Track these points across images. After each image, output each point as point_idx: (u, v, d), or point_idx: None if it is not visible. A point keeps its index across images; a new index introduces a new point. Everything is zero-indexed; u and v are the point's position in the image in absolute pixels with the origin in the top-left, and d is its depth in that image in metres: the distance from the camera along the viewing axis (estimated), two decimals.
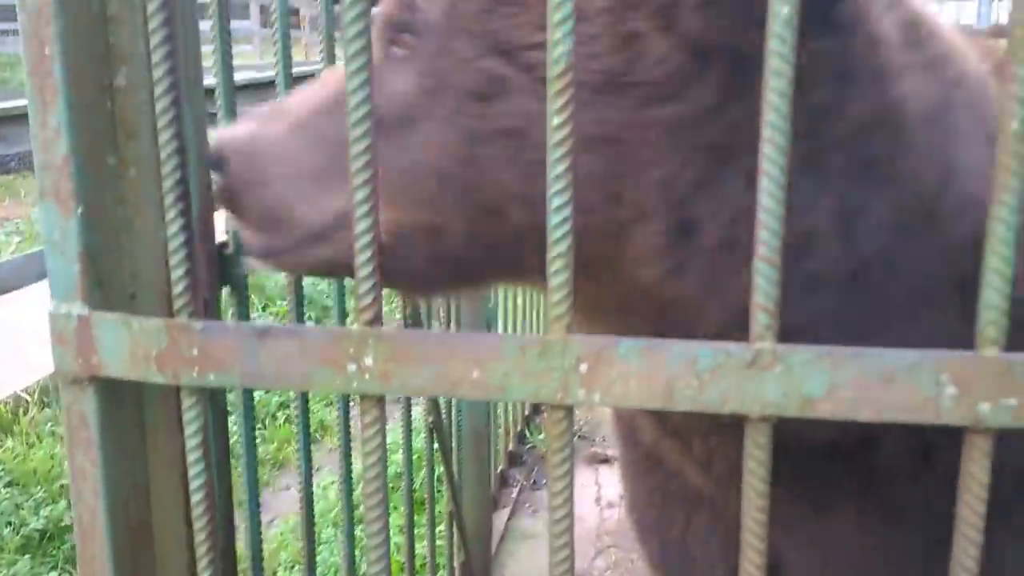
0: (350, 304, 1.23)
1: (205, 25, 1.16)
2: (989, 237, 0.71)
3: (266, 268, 1.14)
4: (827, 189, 1.00)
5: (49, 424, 3.96)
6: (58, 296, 0.83)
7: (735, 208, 0.98)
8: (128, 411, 0.93)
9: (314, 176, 1.06)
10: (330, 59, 1.43)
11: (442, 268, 1.08)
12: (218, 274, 1.17)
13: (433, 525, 2.47)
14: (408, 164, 1.01)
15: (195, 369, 0.80)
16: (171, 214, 0.79)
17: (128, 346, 0.81)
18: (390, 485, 2.94)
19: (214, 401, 1.12)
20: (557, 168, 0.73)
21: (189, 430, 0.84)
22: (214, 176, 1.08)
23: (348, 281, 1.12)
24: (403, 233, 1.03)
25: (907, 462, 1.11)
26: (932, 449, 1.08)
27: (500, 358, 0.77)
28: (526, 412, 3.94)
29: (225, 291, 1.23)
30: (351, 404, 1.51)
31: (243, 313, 1.24)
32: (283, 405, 4.26)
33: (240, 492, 1.26)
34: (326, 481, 3.46)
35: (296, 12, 17.76)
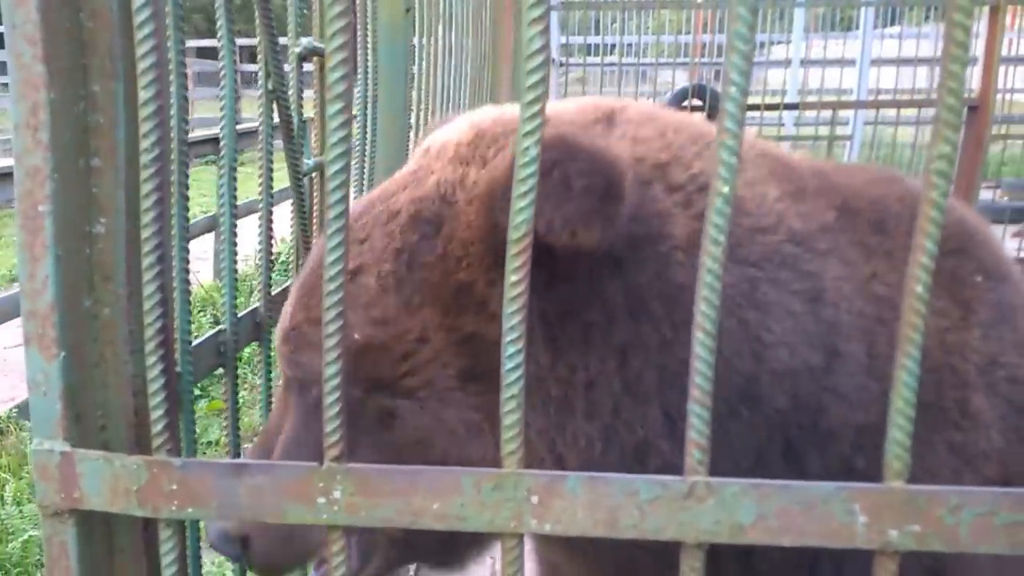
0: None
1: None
2: (895, 382, 0.81)
3: None
4: (653, 403, 1.09)
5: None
6: (40, 432, 0.88)
7: (584, 439, 1.09)
8: (99, 537, 0.97)
9: None
10: (268, 114, 1.51)
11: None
12: None
13: None
14: None
15: (174, 503, 0.86)
16: (152, 360, 0.85)
17: (110, 482, 0.86)
18: None
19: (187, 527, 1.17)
20: (512, 320, 0.81)
21: (166, 560, 0.89)
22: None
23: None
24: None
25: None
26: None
27: (459, 491, 0.84)
28: None
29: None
30: None
31: (189, 428, 1.29)
32: None
33: None
34: None
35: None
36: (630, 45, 9.67)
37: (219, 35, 1.26)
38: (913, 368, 0.80)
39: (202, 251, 6.97)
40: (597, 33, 11.03)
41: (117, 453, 0.88)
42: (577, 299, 1.05)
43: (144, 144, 0.85)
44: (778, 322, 1.10)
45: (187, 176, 1.18)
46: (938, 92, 0.75)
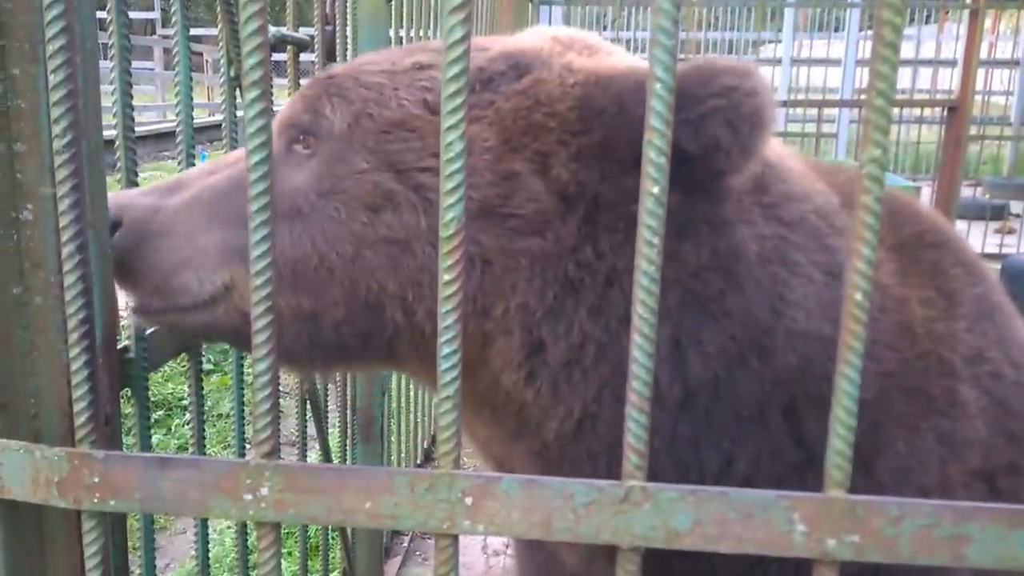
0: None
1: (106, 68, 1.14)
2: (836, 391, 0.79)
3: (146, 323, 1.22)
4: (663, 322, 1.07)
5: None
6: None
7: (579, 335, 1.09)
8: (28, 526, 0.95)
9: (202, 250, 1.14)
10: (231, 101, 1.48)
11: (320, 351, 1.15)
12: (120, 378, 1.19)
13: (327, 572, 2.48)
14: (294, 255, 1.10)
15: (96, 495, 0.83)
16: (75, 351, 0.83)
17: (31, 472, 0.84)
18: (284, 531, 2.94)
19: (114, 516, 1.14)
20: (447, 318, 0.79)
21: (89, 551, 0.87)
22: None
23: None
24: (284, 319, 1.10)
25: None
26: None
27: (391, 491, 0.82)
28: (418, 461, 3.93)
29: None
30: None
31: (143, 414, 1.26)
32: (182, 448, 4.21)
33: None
34: (222, 525, 3.43)
35: (200, 54, 17.71)
36: (629, 41, 9.69)
37: (172, 20, 1.23)
38: (854, 377, 0.78)
39: None
40: (603, 28, 11.09)
41: (40, 444, 0.85)
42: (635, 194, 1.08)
43: (56, 130, 0.83)
44: (800, 285, 1.13)
45: (135, 162, 1.15)
46: (867, 94, 0.72)
